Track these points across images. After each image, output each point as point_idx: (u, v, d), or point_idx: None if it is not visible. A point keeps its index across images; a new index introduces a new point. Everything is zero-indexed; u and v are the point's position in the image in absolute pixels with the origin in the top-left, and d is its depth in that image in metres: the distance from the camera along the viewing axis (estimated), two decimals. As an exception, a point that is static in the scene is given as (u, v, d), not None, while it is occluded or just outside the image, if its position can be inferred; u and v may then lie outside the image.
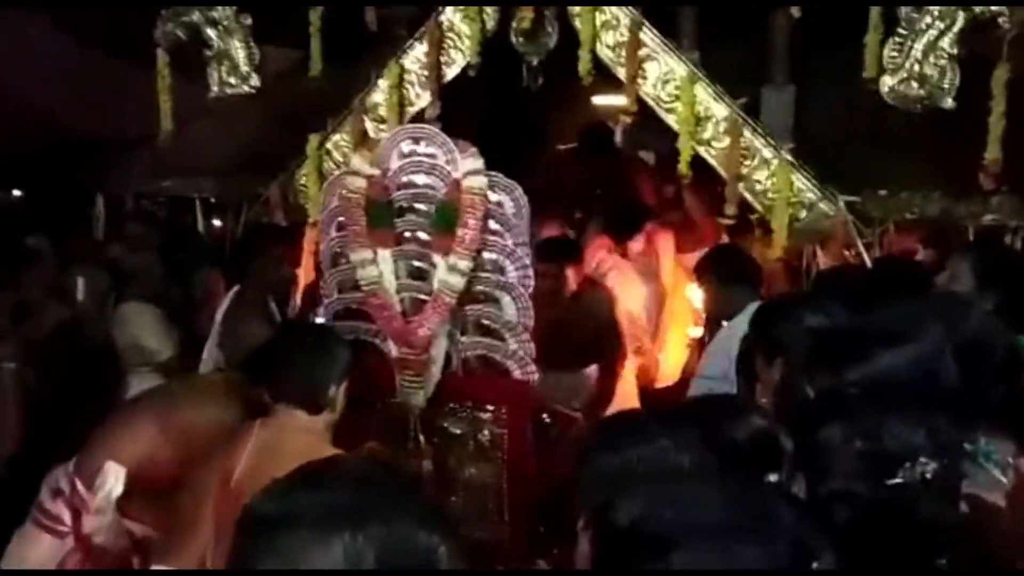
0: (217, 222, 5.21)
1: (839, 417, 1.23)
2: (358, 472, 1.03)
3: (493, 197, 2.90)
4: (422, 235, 2.99)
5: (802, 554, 0.82)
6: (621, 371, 4.22)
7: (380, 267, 2.99)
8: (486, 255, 2.94)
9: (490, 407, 3.03)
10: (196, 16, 4.92)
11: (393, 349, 3.02)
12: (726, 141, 3.88)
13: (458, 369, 3.09)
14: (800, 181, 3.86)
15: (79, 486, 2.55)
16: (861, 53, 4.13)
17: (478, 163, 2.89)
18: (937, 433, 1.20)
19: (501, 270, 2.96)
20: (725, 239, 4.61)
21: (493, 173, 2.91)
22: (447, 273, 2.90)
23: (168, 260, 4.65)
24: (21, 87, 5.17)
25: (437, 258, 2.93)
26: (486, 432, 3.05)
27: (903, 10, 4.01)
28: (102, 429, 2.62)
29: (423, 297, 2.98)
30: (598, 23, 3.99)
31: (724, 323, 3.96)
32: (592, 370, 4.08)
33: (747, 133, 3.88)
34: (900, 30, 4.02)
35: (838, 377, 1.65)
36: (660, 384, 4.67)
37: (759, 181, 3.91)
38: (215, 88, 4.81)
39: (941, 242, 4.11)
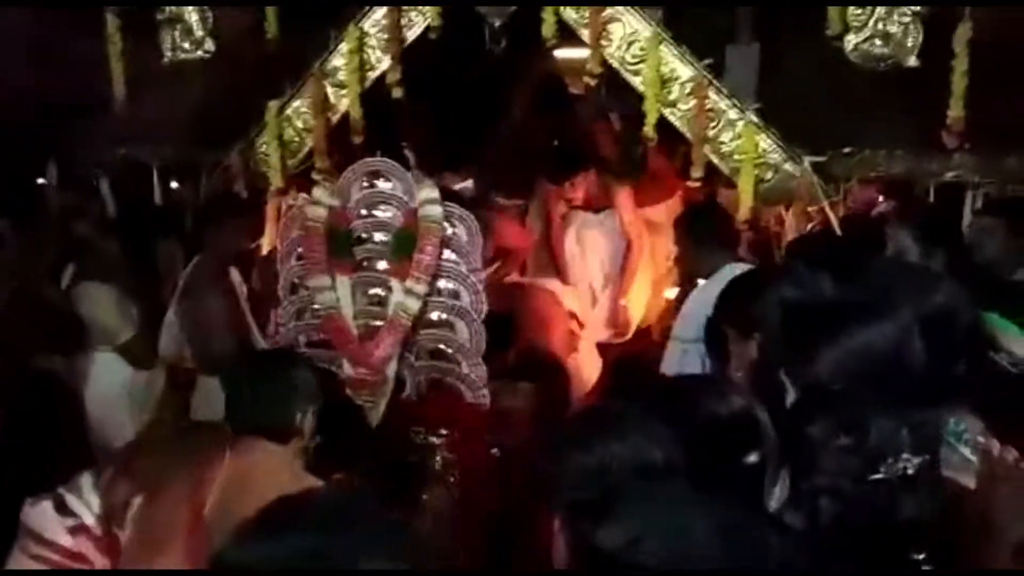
0: (175, 188, 5.10)
1: (823, 413, 1.23)
2: (324, 511, 1.01)
3: (448, 228, 3.05)
4: (380, 263, 3.14)
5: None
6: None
7: (338, 293, 3.14)
8: (441, 282, 3.09)
9: (443, 431, 3.16)
10: (146, -22, 4.76)
11: (349, 370, 3.14)
12: (692, 103, 3.85)
13: (411, 394, 3.19)
14: (766, 142, 3.86)
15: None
16: (825, 11, 4.10)
17: (434, 193, 3.06)
18: (919, 429, 1.21)
19: (456, 295, 3.10)
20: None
21: (448, 204, 3.07)
22: (404, 296, 3.05)
23: (126, 231, 4.55)
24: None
25: (394, 283, 3.09)
26: (439, 458, 3.19)
27: (867, -33, 3.98)
28: (124, 464, 2.41)
29: (379, 323, 3.12)
30: (562, -16, 3.93)
31: (700, 282, 4.00)
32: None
33: (712, 94, 3.86)
34: (864, -12, 4.00)
35: (811, 360, 1.65)
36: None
37: (724, 143, 3.90)
38: (168, 53, 4.66)
39: (901, 193, 4.15)
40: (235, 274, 4.16)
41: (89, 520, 2.31)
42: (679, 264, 4.07)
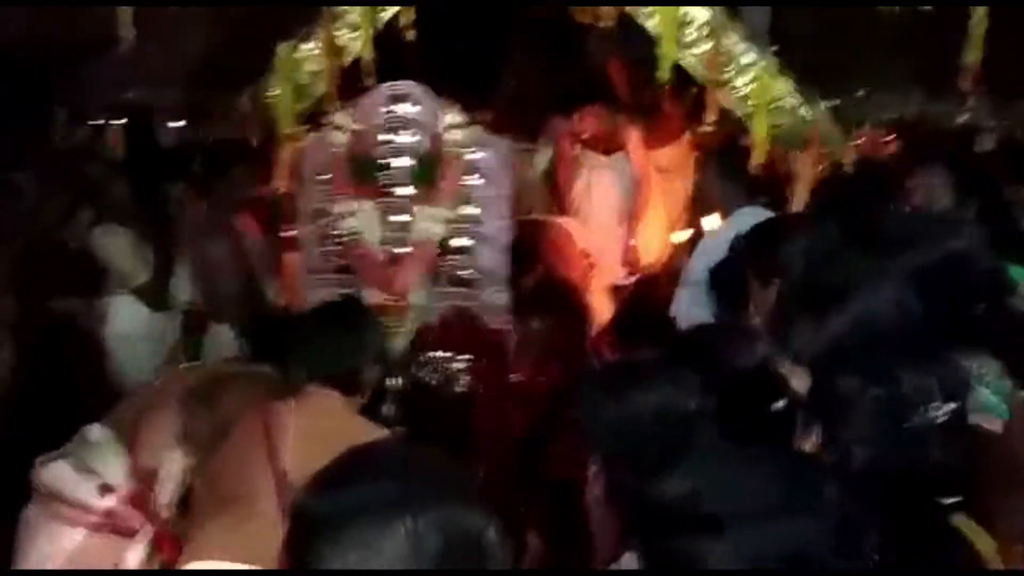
0: (183, 132, 5.08)
1: (854, 367, 1.26)
2: (400, 459, 1.03)
3: (476, 152, 3.00)
4: (403, 189, 3.07)
5: (852, 532, 0.85)
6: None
7: (361, 218, 3.08)
8: (467, 208, 3.04)
9: (466, 357, 3.10)
10: (151, -85, 4.68)
11: (374, 296, 3.07)
12: (707, 46, 3.82)
13: (434, 321, 3.16)
14: (781, 86, 3.84)
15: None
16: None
17: (459, 117, 3.02)
18: (948, 377, 1.24)
19: (480, 222, 3.06)
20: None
21: (475, 127, 3.03)
22: (429, 222, 3.01)
23: (136, 174, 4.54)
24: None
25: (418, 209, 3.03)
26: (460, 383, 3.14)
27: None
28: (144, 419, 2.38)
29: (402, 250, 3.08)
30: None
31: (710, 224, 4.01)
32: None
33: (728, 38, 3.82)
34: (882, -72, 3.95)
35: (836, 311, 1.68)
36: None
37: (739, 87, 3.88)
38: (174, -8, 4.61)
39: (912, 136, 4.15)
40: (244, 219, 4.18)
41: (115, 478, 2.28)
42: (695, 205, 4.06)
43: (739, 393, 1.66)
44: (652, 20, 3.85)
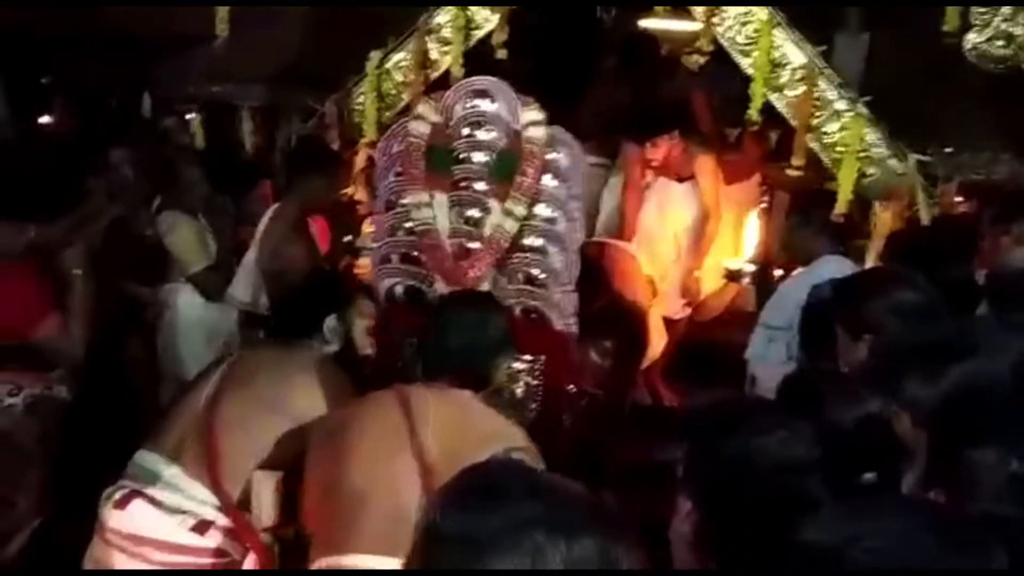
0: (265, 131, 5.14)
1: (990, 436, 1.22)
2: (535, 479, 1.01)
3: (551, 152, 2.94)
4: (478, 184, 3.02)
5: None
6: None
7: (435, 210, 3.02)
8: (539, 207, 2.98)
9: (528, 357, 3.01)
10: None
11: (442, 288, 3.02)
12: (800, 89, 3.80)
13: None
14: (872, 136, 3.80)
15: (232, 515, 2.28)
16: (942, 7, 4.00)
17: (539, 115, 2.94)
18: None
19: (552, 221, 3.00)
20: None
21: (553, 126, 2.96)
22: (502, 218, 2.94)
23: (213, 168, 4.60)
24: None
25: (492, 204, 2.96)
26: (522, 384, 3.04)
27: (993, -35, 3.88)
28: (214, 442, 2.27)
29: (472, 244, 3.02)
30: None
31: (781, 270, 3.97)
32: None
33: (822, 83, 3.80)
34: (990, -14, 3.90)
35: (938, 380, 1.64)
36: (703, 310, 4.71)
37: (829, 133, 3.85)
38: (271, -8, 4.68)
39: (1004, 202, 4.07)
40: (317, 222, 4.20)
41: (208, 513, 2.21)
42: (776, 244, 4.02)
43: (849, 443, 1.63)
44: (747, 59, 3.84)
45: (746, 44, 3.84)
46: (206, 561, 2.19)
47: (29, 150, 4.24)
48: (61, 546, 2.92)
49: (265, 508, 2.23)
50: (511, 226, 2.92)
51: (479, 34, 4.25)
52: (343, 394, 2.39)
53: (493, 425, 2.13)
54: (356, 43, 4.52)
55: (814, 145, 3.86)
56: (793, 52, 3.82)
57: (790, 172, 4.08)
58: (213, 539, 2.20)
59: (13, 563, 2.76)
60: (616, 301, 3.87)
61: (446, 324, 2.38)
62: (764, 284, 4.37)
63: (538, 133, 2.91)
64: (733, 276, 4.48)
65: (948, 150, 3.97)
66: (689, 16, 3.99)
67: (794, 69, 3.82)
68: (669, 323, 4.57)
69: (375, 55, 4.37)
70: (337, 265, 4.20)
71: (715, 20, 3.86)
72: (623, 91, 4.85)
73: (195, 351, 3.95)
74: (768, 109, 3.96)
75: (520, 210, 2.91)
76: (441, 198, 3.01)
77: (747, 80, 3.87)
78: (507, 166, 2.92)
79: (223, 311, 4.03)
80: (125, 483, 2.30)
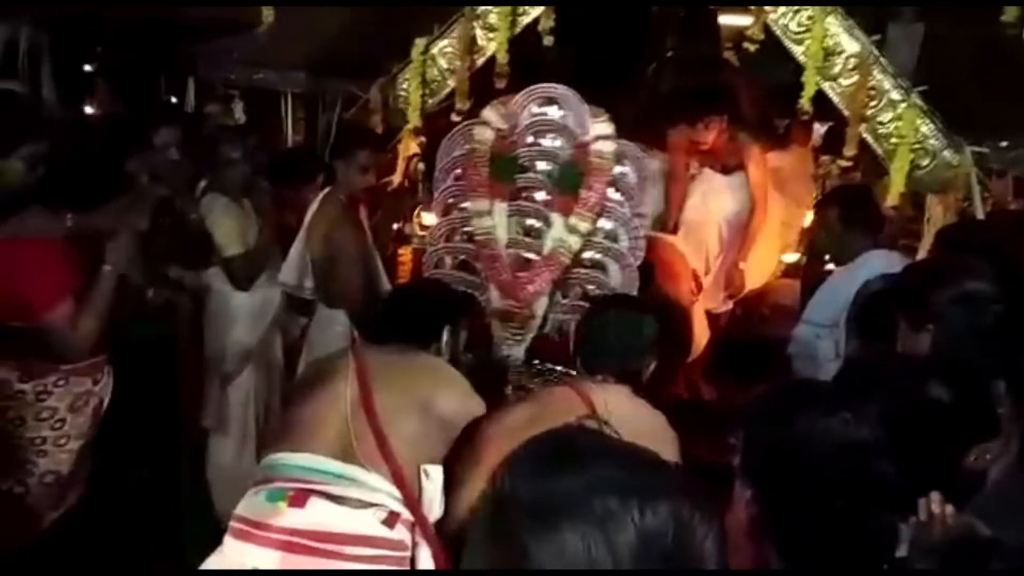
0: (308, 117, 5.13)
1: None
2: (609, 444, 0.97)
3: (617, 167, 2.90)
4: (540, 194, 2.99)
5: None
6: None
7: (495, 219, 3.00)
8: (601, 222, 2.95)
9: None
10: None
11: (496, 301, 3.03)
12: (854, 78, 3.72)
13: (553, 333, 3.09)
14: (927, 127, 3.71)
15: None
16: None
17: (609, 128, 2.90)
18: None
19: (615, 238, 2.97)
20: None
21: (623, 141, 2.92)
22: (565, 232, 2.91)
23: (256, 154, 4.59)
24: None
25: (555, 217, 2.94)
26: None
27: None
28: (385, 436, 2.28)
29: (530, 256, 2.99)
30: (732, -54, 3.82)
31: (831, 265, 3.89)
32: None
33: (877, 72, 3.72)
34: (1051, -27, 3.80)
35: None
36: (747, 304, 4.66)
37: (883, 123, 3.76)
38: (319, -21, 4.67)
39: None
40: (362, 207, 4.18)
41: (393, 505, 2.23)
42: (817, 241, 3.95)
43: (919, 428, 1.58)
44: (800, 47, 3.76)
45: (799, 32, 3.76)
46: (396, 554, 2.20)
47: (73, 135, 4.25)
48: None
49: (437, 501, 2.27)
50: (574, 242, 2.90)
51: (526, 20, 4.20)
52: (474, 398, 2.42)
53: (653, 419, 2.21)
54: (401, 29, 4.50)
55: (867, 136, 3.78)
56: (847, 41, 3.74)
57: (841, 163, 4.01)
58: (399, 532, 2.22)
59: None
60: (659, 295, 3.82)
61: (607, 324, 2.43)
62: (811, 280, 4.30)
63: (607, 147, 2.88)
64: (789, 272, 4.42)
65: (1003, 143, 3.88)
66: (740, 9, 3.91)
67: (847, 58, 3.74)
68: (711, 317, 4.51)
69: (420, 41, 4.33)
70: (385, 252, 4.19)
71: (767, 7, 3.78)
72: (675, 72, 4.78)
73: (238, 334, 3.96)
74: (818, 99, 3.89)
75: (585, 226, 2.89)
76: (501, 207, 3.00)
77: (799, 69, 3.79)
78: (572, 178, 2.90)
79: (267, 294, 4.02)
80: (282, 484, 2.24)
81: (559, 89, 3.02)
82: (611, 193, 2.93)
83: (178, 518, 3.63)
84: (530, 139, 3.00)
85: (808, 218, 4.40)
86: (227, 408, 3.92)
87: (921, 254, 3.74)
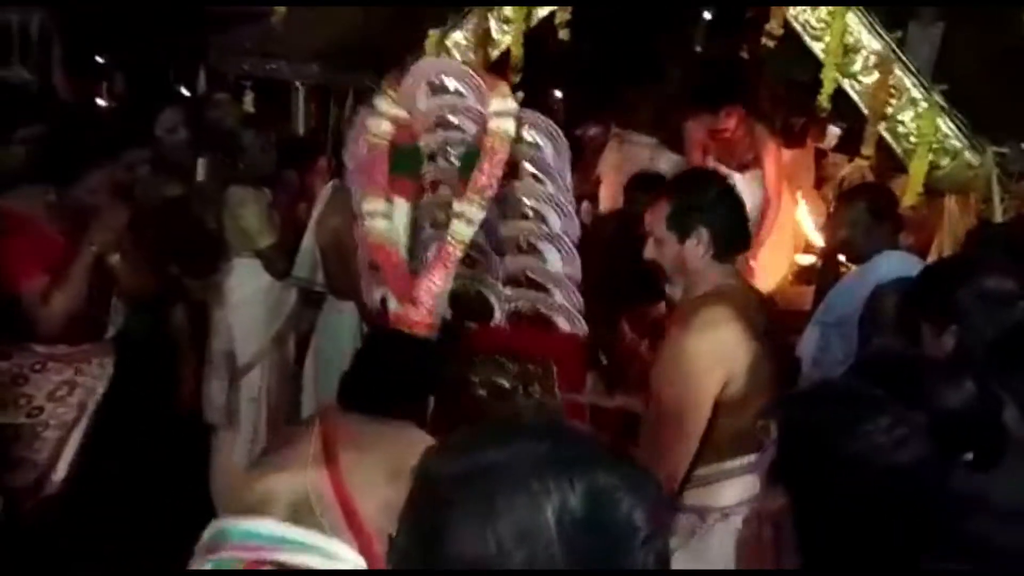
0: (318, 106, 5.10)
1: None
2: (544, 423, 0.96)
3: (530, 139, 2.65)
4: (443, 186, 2.76)
5: None
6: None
7: (394, 219, 2.67)
8: (527, 205, 2.74)
9: (539, 360, 2.86)
10: None
11: (394, 306, 2.65)
12: (874, 76, 3.66)
13: (502, 322, 2.91)
14: (948, 127, 3.66)
15: None
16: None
17: (508, 104, 2.54)
18: None
19: (544, 219, 2.75)
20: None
21: (537, 115, 2.67)
22: (455, 221, 2.56)
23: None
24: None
25: (454, 206, 2.59)
26: (536, 387, 2.90)
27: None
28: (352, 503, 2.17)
29: (429, 253, 2.75)
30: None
31: (844, 261, 3.85)
32: None
33: (898, 70, 3.66)
34: (1077, -28, 3.74)
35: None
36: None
37: (903, 122, 3.71)
38: (331, -30, 4.63)
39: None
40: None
41: None
42: (834, 238, 3.90)
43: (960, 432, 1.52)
44: (819, 44, 3.71)
45: (819, 28, 3.71)
46: None
47: (68, 117, 4.21)
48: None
49: None
50: (463, 229, 2.53)
51: (542, 13, 4.16)
52: None
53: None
54: (415, 21, 4.46)
55: (886, 135, 3.73)
56: (868, 38, 3.68)
57: (859, 162, 3.96)
58: None
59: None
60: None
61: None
62: (826, 282, 4.26)
63: (506, 124, 2.51)
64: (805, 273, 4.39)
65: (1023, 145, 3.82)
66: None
67: (868, 55, 3.69)
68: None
69: (434, 34, 4.29)
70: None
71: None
72: (696, 65, 4.75)
73: (253, 328, 3.92)
74: (837, 97, 3.83)
75: (474, 212, 2.51)
76: (401, 204, 2.68)
77: (818, 65, 3.74)
78: (471, 162, 2.54)
79: (284, 288, 3.99)
80: (235, 552, 2.07)
81: (448, 64, 2.84)
82: (529, 170, 2.69)
83: (170, 514, 3.59)
84: (432, 121, 2.68)
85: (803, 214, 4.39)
86: (237, 404, 3.88)
87: (932, 257, 3.69)
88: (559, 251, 2.78)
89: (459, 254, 2.59)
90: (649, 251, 2.44)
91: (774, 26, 3.74)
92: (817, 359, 3.49)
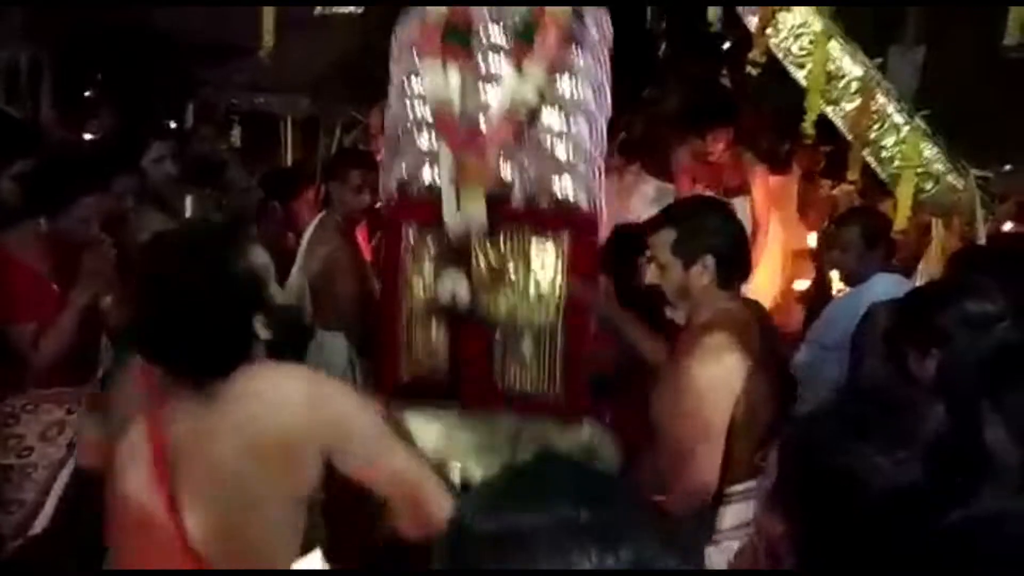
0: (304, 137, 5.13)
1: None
2: (580, 479, 0.93)
3: (576, 22, 2.78)
4: (495, 56, 2.84)
5: None
6: None
7: (449, 82, 2.81)
8: (566, 79, 2.79)
9: (552, 234, 2.84)
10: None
11: (452, 165, 2.79)
12: (856, 102, 3.70)
13: (520, 196, 2.86)
14: (930, 151, 3.69)
15: None
16: (1004, 16, 3.89)
17: None
18: None
19: (576, 93, 2.80)
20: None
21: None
22: (517, 83, 2.74)
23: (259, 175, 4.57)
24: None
25: (511, 74, 2.77)
26: (541, 260, 2.88)
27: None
28: None
29: (490, 114, 2.81)
30: (733, -31, 3.81)
31: (836, 282, 3.87)
32: None
33: (880, 95, 3.70)
34: (1058, -6, 3.79)
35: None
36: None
37: (886, 147, 3.75)
38: (319, 8, 4.66)
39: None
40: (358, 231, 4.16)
41: None
42: (828, 260, 3.94)
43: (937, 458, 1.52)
44: (802, 71, 3.75)
45: (801, 55, 3.75)
46: None
47: (68, 154, 4.23)
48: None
49: None
50: (528, 92, 2.71)
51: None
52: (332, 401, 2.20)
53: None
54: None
55: (870, 159, 3.77)
56: (849, 64, 3.73)
57: (844, 187, 4.00)
58: None
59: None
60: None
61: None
62: (815, 303, 4.28)
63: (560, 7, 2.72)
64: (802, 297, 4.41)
65: (1007, 168, 3.86)
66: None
67: (850, 81, 3.73)
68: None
69: (421, 64, 4.31)
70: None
71: (769, 31, 3.78)
72: (680, 88, 4.78)
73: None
74: (820, 123, 3.87)
75: (538, 74, 2.70)
76: (454, 71, 2.79)
77: (801, 92, 3.78)
78: (528, 30, 2.74)
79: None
80: None
81: None
82: (574, 48, 2.78)
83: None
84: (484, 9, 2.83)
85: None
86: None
87: (920, 280, 3.72)
88: (589, 126, 2.81)
89: (521, 117, 2.73)
90: (651, 276, 2.48)
91: (757, 54, 3.78)
92: (810, 380, 3.50)
